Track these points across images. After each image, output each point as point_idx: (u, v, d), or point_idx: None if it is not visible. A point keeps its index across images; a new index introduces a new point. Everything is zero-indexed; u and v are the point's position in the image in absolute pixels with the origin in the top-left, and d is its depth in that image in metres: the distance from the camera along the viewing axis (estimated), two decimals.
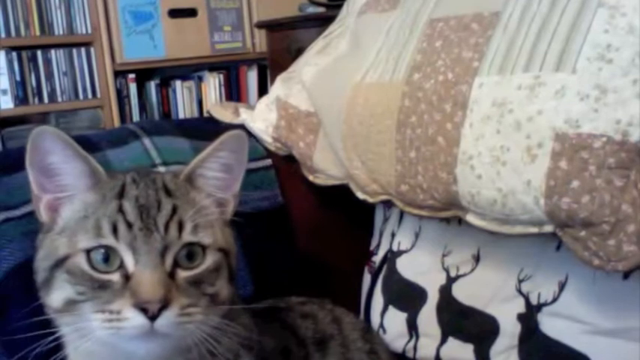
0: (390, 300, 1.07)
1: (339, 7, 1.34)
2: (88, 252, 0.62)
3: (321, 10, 2.25)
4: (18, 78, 2.68)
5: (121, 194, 0.65)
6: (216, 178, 0.70)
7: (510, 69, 0.83)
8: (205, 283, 0.65)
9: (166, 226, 0.63)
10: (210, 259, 0.65)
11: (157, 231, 0.62)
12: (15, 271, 0.89)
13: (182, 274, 0.63)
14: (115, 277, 0.61)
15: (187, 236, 0.64)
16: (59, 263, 0.63)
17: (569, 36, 0.79)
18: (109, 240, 0.62)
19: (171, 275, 0.62)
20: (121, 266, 0.62)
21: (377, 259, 1.13)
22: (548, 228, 0.80)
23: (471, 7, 0.92)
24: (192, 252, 0.64)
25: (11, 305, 0.89)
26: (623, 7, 0.76)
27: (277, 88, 1.25)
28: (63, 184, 0.66)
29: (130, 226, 0.62)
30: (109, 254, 0.62)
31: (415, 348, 1.02)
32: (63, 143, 0.65)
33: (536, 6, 0.84)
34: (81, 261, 0.62)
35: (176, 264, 0.63)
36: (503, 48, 0.85)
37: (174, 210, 0.64)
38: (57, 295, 0.64)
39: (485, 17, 0.89)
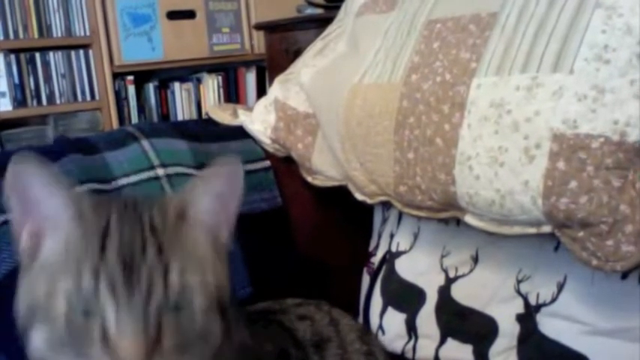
0: (389, 301, 1.08)
1: (337, 8, 1.34)
2: (67, 294, 0.57)
3: (319, 11, 2.25)
4: (16, 80, 2.68)
5: (104, 233, 0.59)
6: (209, 208, 0.64)
7: (508, 70, 0.83)
8: (195, 335, 0.59)
9: (151, 269, 0.57)
10: (200, 307, 0.59)
11: (138, 275, 0.57)
12: (14, 274, 0.89)
13: (168, 332, 0.57)
14: (95, 327, 0.56)
15: (175, 279, 0.58)
16: (37, 303, 0.59)
17: (566, 37, 0.79)
18: (89, 285, 0.56)
19: (157, 335, 0.56)
20: (102, 316, 0.56)
21: (376, 260, 1.13)
22: (547, 228, 0.80)
23: (468, 9, 0.92)
24: (180, 302, 0.58)
25: (10, 308, 0.88)
26: (620, 7, 0.76)
27: (276, 90, 1.26)
28: (44, 214, 0.62)
29: (111, 276, 0.57)
30: (88, 300, 0.56)
31: (414, 349, 1.02)
32: (45, 171, 0.61)
33: (533, 7, 0.84)
34: (59, 303, 0.57)
35: (161, 316, 0.57)
36: (501, 49, 0.85)
37: (159, 250, 0.59)
38: (35, 341, 0.60)
39: (483, 18, 0.89)
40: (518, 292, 0.90)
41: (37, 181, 0.61)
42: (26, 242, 0.63)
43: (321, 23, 1.57)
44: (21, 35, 2.67)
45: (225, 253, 0.66)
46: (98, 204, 0.63)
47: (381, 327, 1.07)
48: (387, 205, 1.07)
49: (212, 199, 0.64)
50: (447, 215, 0.93)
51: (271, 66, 2.34)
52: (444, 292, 0.99)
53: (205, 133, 1.18)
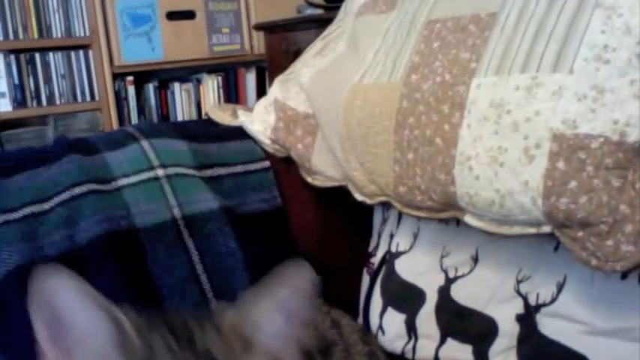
0: (389, 301, 1.07)
1: (336, 8, 1.34)
2: None
3: (319, 11, 2.25)
4: (16, 81, 2.68)
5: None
6: (275, 327, 0.52)
7: (508, 70, 0.83)
8: None
9: None
10: None
11: None
12: (13, 275, 0.89)
13: None
14: None
15: None
16: None
17: (566, 37, 0.79)
18: None
19: None
20: None
21: (375, 260, 1.13)
22: (546, 228, 0.80)
23: (468, 9, 0.92)
24: None
25: (9, 309, 0.89)
26: (619, 7, 0.76)
27: (275, 90, 1.26)
28: (75, 339, 0.51)
29: None
30: None
31: (414, 349, 1.02)
32: (76, 289, 0.50)
33: (533, 7, 0.84)
34: None
35: None
36: (501, 49, 0.85)
37: None
38: None
39: (483, 18, 0.89)
40: (518, 292, 0.90)
41: (69, 301, 0.50)
42: None
43: (321, 23, 1.57)
44: (21, 36, 2.67)
45: None
46: (143, 328, 0.52)
47: (380, 327, 1.07)
48: (386, 206, 1.07)
49: (282, 320, 0.52)
50: (447, 215, 0.93)
51: (271, 66, 2.34)
52: (444, 292, 0.99)
53: (205, 134, 1.18)
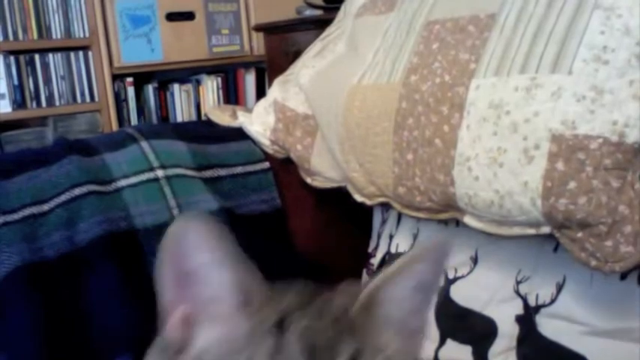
0: None
1: (336, 9, 1.34)
2: None
3: (318, 12, 2.25)
4: (16, 82, 2.68)
5: (280, 324, 0.46)
6: (410, 300, 0.51)
7: (507, 71, 0.83)
8: None
9: None
10: None
11: None
12: (13, 275, 0.89)
13: None
14: None
15: None
16: None
17: (565, 37, 0.79)
18: None
19: None
20: None
21: (375, 261, 1.13)
22: (546, 229, 0.80)
23: (467, 10, 0.92)
24: None
25: (9, 309, 0.89)
26: (618, 8, 0.76)
27: (275, 91, 1.26)
28: (206, 296, 0.49)
29: None
30: None
31: None
32: (215, 241, 0.47)
33: (532, 8, 0.84)
34: None
35: None
36: (500, 50, 0.85)
37: (354, 357, 0.45)
38: None
39: (482, 19, 0.89)
40: (518, 293, 0.90)
41: (203, 253, 0.47)
42: (175, 328, 0.49)
43: (320, 24, 1.57)
44: (20, 37, 2.67)
45: None
46: (272, 289, 0.50)
47: None
48: (386, 207, 1.07)
49: (414, 287, 0.51)
50: (446, 216, 0.93)
51: (271, 67, 2.34)
52: (444, 293, 0.99)
53: (205, 135, 1.18)
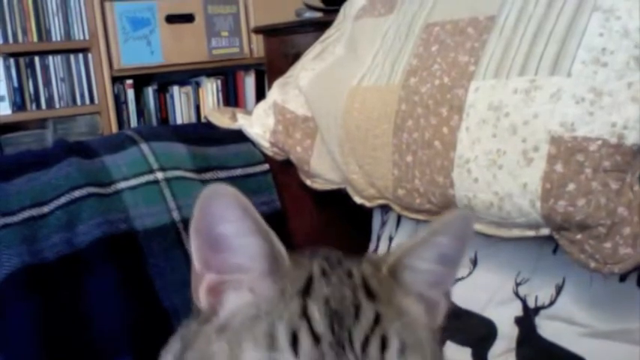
0: None
1: (335, 12, 1.34)
2: None
3: (318, 15, 2.25)
4: (16, 84, 2.68)
5: (306, 290, 0.49)
6: (431, 272, 0.53)
7: (506, 73, 0.83)
8: None
9: (365, 344, 0.46)
10: None
11: (351, 350, 0.46)
12: (12, 277, 0.89)
13: None
14: None
15: None
16: None
17: (564, 39, 0.79)
18: (285, 356, 0.45)
19: None
20: None
21: None
22: (545, 231, 0.80)
23: (466, 12, 0.92)
24: None
25: (8, 311, 0.89)
26: (617, 10, 0.76)
27: (274, 93, 1.26)
28: (232, 264, 0.51)
29: (316, 339, 0.46)
30: None
31: None
32: (241, 210, 0.49)
33: (531, 9, 0.84)
34: None
35: None
36: (499, 52, 0.85)
37: (376, 320, 0.48)
38: None
39: (481, 21, 0.89)
40: (517, 294, 0.90)
41: (231, 222, 0.50)
42: (205, 294, 0.52)
43: (319, 27, 1.58)
44: (20, 39, 2.67)
45: (439, 336, 0.54)
46: (298, 256, 0.53)
47: None
48: (385, 209, 1.07)
49: (436, 259, 0.53)
50: None
51: (270, 69, 2.34)
52: None
53: (204, 137, 1.18)
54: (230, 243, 0.50)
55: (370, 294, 0.49)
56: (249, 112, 1.29)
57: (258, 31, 2.51)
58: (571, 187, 0.75)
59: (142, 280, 0.97)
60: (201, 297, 0.52)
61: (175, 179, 1.06)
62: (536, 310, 0.87)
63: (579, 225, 0.75)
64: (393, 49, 1.01)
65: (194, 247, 0.51)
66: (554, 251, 0.86)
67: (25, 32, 2.68)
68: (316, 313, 0.47)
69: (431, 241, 0.52)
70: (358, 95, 1.03)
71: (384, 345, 0.47)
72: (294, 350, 0.45)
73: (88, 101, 2.82)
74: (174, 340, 0.55)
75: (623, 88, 0.74)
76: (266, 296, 0.49)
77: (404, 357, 0.47)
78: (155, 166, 1.06)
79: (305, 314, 0.47)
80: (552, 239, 0.81)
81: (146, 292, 0.97)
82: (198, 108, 3.11)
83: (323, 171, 1.13)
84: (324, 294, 0.48)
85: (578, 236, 0.76)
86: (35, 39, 2.70)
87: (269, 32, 2.34)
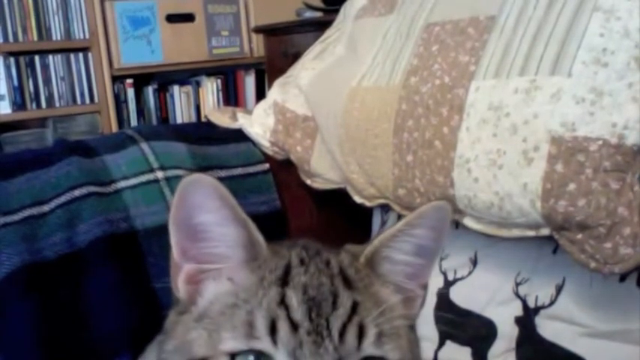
0: None
1: (336, 11, 1.34)
2: (232, 356, 0.47)
3: (318, 14, 2.25)
4: (16, 83, 2.68)
5: (284, 279, 0.49)
6: (407, 263, 0.54)
7: (506, 73, 0.83)
8: None
9: (342, 332, 0.47)
10: None
11: (329, 338, 0.46)
12: (12, 276, 0.89)
13: None
14: None
15: (369, 348, 0.48)
16: (191, 358, 0.49)
17: (564, 40, 0.79)
18: (263, 344, 0.46)
19: None
20: None
21: None
22: (545, 231, 0.80)
23: (467, 12, 0.92)
24: None
25: (8, 309, 0.89)
26: (618, 10, 0.76)
27: (274, 93, 1.26)
28: (211, 253, 0.52)
29: (294, 327, 0.46)
30: None
31: None
32: (219, 200, 0.50)
33: (532, 10, 0.84)
34: None
35: None
36: (499, 52, 0.85)
37: (353, 309, 0.48)
38: None
39: (482, 21, 0.89)
40: (517, 294, 0.90)
41: (210, 212, 0.50)
42: (184, 283, 0.53)
43: (320, 26, 1.58)
44: (20, 38, 2.67)
45: (415, 326, 0.55)
46: (276, 246, 0.54)
47: None
48: (385, 208, 1.07)
49: (412, 250, 0.54)
50: None
51: (270, 69, 2.34)
52: (443, 294, 0.99)
53: (204, 136, 1.18)
54: (209, 232, 0.51)
55: (348, 283, 0.50)
56: (249, 112, 1.29)
57: (258, 30, 2.52)
58: (571, 187, 0.75)
59: (141, 279, 0.97)
60: (180, 287, 0.52)
61: (175, 178, 1.06)
62: (536, 310, 0.87)
63: (579, 225, 0.75)
64: (393, 49, 1.01)
65: (173, 237, 0.51)
66: (554, 251, 0.86)
67: (25, 31, 2.68)
68: (294, 301, 0.47)
69: (407, 232, 0.53)
70: (358, 95, 1.03)
71: (361, 333, 0.48)
72: (273, 338, 0.46)
73: (88, 100, 2.82)
74: (160, 335, 0.56)
75: (624, 88, 0.74)
76: (244, 285, 0.50)
77: (381, 345, 0.48)
78: (155, 165, 1.06)
79: (283, 302, 0.47)
80: (552, 239, 0.81)
81: (146, 291, 0.97)
82: (198, 107, 3.11)
83: (323, 170, 1.13)
84: (302, 282, 0.49)
85: (579, 236, 0.76)
86: (35, 38, 2.70)
87: (269, 32, 2.34)
